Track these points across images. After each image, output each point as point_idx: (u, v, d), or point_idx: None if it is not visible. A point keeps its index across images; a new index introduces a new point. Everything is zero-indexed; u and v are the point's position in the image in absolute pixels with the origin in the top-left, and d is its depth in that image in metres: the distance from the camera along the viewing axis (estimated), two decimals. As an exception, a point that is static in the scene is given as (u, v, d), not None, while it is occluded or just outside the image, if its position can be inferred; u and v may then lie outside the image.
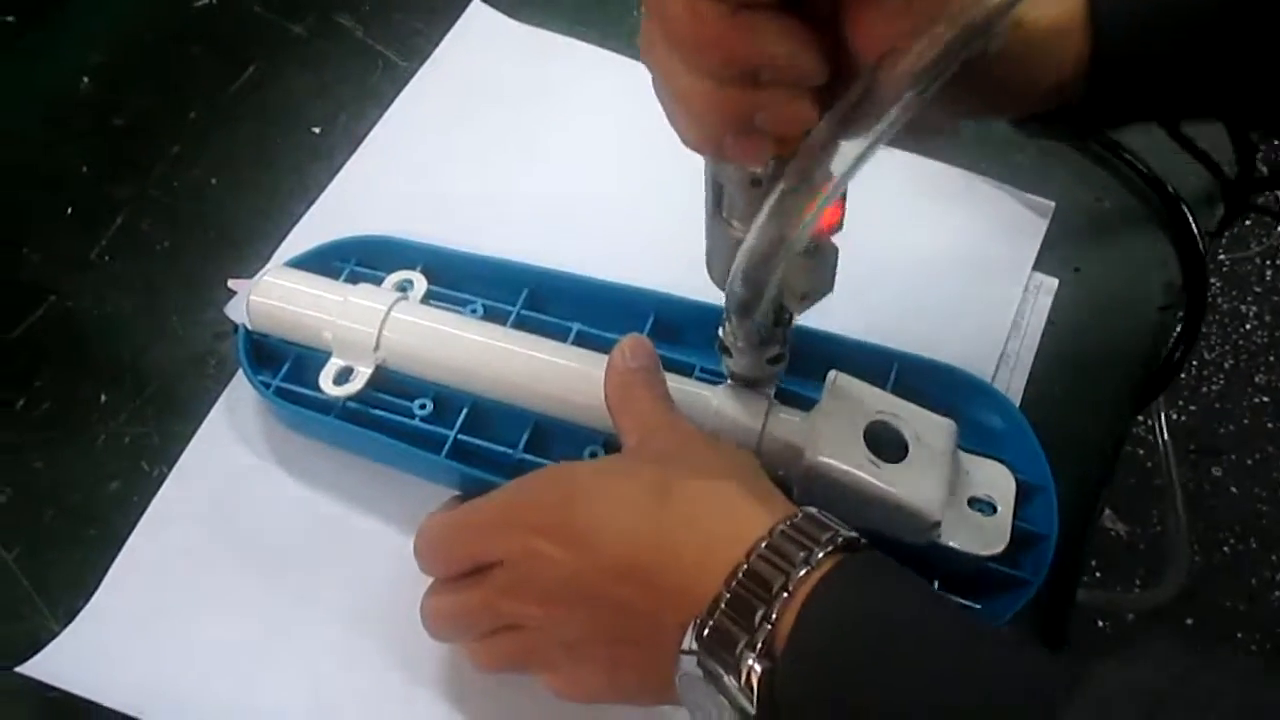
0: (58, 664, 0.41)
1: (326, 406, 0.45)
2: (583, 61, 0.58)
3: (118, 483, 0.45)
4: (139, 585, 0.43)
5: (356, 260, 0.49)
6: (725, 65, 0.28)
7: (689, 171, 0.54)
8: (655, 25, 0.29)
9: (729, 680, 0.31)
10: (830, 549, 0.32)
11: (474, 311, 0.48)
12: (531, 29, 0.60)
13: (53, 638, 0.41)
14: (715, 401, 0.43)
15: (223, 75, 0.58)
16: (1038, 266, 0.52)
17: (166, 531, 0.44)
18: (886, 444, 0.41)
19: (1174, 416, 1.37)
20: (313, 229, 0.52)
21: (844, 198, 0.34)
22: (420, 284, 0.48)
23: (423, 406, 0.45)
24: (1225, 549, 1.29)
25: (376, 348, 0.45)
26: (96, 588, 0.43)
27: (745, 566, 0.32)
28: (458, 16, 0.60)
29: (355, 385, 0.45)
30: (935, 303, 0.50)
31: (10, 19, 0.59)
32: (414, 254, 0.50)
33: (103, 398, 0.47)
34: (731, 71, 0.28)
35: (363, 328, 0.45)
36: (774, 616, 0.31)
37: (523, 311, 0.48)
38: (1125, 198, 0.54)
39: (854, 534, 0.34)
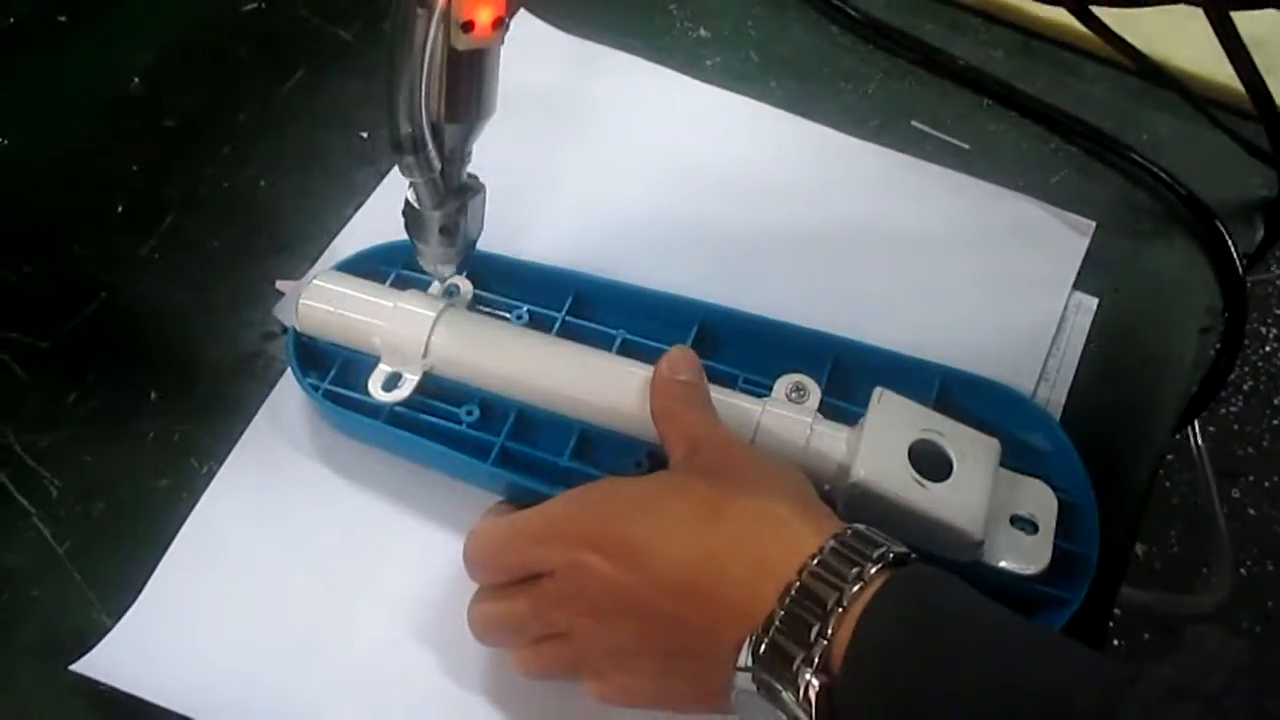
0: (108, 662, 0.41)
1: (374, 410, 0.46)
2: (628, 72, 0.59)
3: (167, 479, 0.46)
4: (186, 583, 0.44)
5: (403, 264, 0.50)
6: None
7: (732, 184, 0.55)
8: None
9: (787, 696, 0.32)
10: (881, 565, 0.33)
11: (519, 317, 0.48)
12: (578, 40, 0.60)
13: (104, 631, 0.42)
14: (759, 415, 0.43)
15: (271, 79, 0.59)
16: (1078, 286, 0.52)
17: (214, 529, 0.45)
18: (931, 462, 0.41)
19: (1211, 430, 1.37)
20: (359, 232, 0.53)
21: None
22: (467, 289, 0.49)
23: (469, 413, 0.46)
24: (1243, 570, 1.29)
25: (425, 354, 0.45)
26: (146, 584, 0.43)
27: (798, 584, 0.33)
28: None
29: (403, 391, 0.45)
30: (975, 320, 0.50)
31: (63, 19, 0.60)
32: None
33: (152, 395, 0.48)
34: None
35: (411, 334, 0.45)
36: (829, 632, 0.32)
37: (568, 318, 0.48)
38: (1165, 218, 0.55)
39: (904, 549, 0.34)
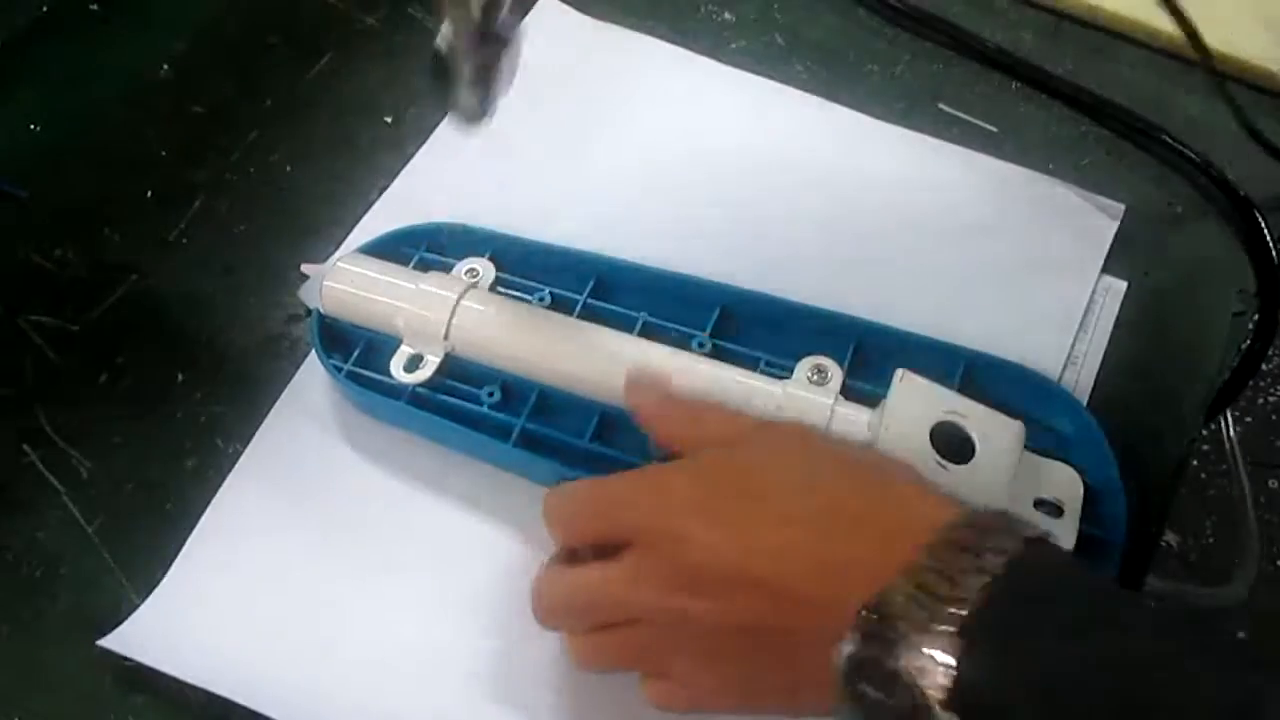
0: (136, 638, 0.42)
1: (397, 391, 0.46)
2: (652, 56, 0.59)
3: (194, 459, 0.46)
4: (213, 560, 0.44)
5: (426, 247, 0.50)
6: None
7: (757, 168, 0.55)
8: None
9: (905, 662, 0.29)
10: (1021, 539, 0.31)
11: (541, 299, 0.48)
12: (602, 23, 0.60)
13: (133, 608, 0.42)
14: (780, 397, 0.43)
15: (298, 65, 0.59)
16: (1107, 269, 0.51)
17: (240, 508, 0.45)
18: (953, 443, 0.41)
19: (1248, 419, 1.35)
20: (384, 216, 0.53)
21: None
22: (489, 272, 0.49)
23: (490, 394, 0.46)
24: (1279, 563, 1.27)
25: (446, 336, 0.46)
26: (174, 561, 0.44)
27: (931, 551, 0.30)
28: (529, 9, 0.60)
29: (425, 373, 0.46)
30: (1002, 304, 0.50)
31: (94, 7, 0.61)
32: (482, 241, 0.50)
33: (180, 376, 0.49)
34: None
35: (433, 316, 0.46)
36: (968, 595, 0.29)
37: (589, 300, 0.48)
38: (1196, 201, 0.54)
39: (1041, 530, 0.32)
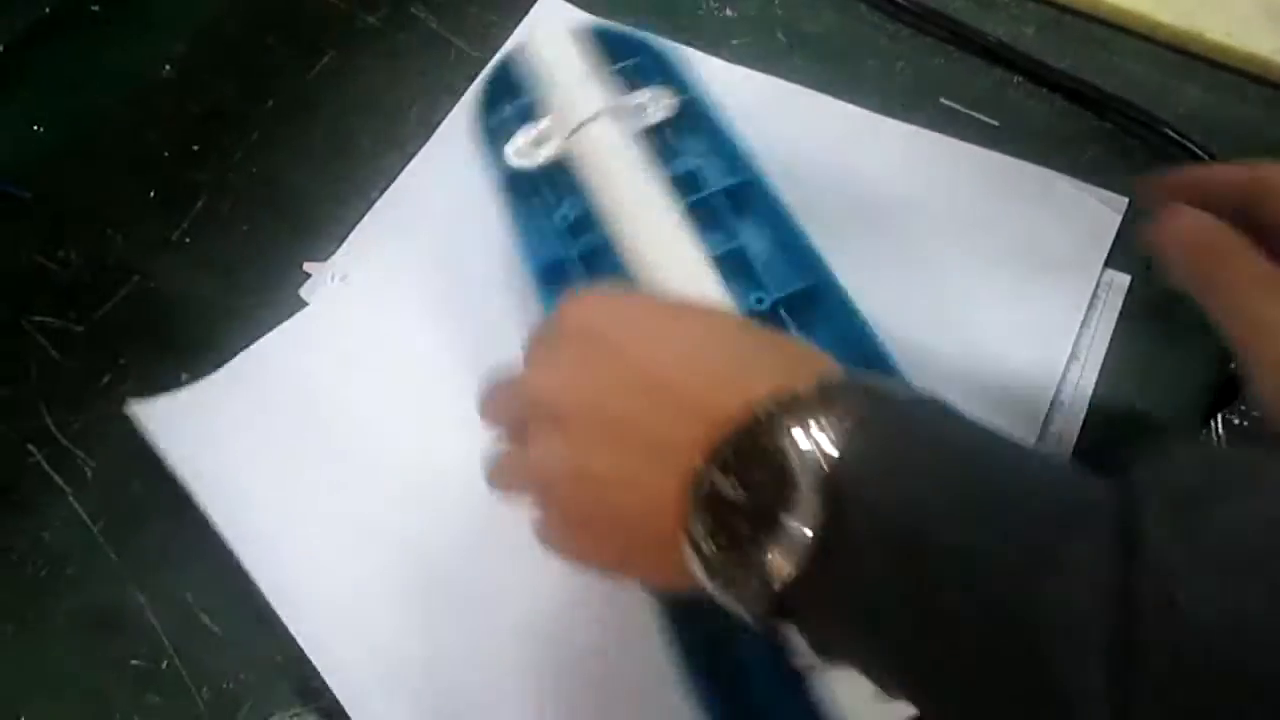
0: (162, 416, 0.46)
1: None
2: (653, 53, 0.59)
3: (198, 459, 0.47)
4: (261, 379, 0.48)
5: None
6: None
7: (766, 161, 0.55)
8: None
9: (792, 442, 0.28)
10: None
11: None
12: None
13: (139, 607, 0.43)
14: None
15: (299, 64, 0.59)
16: (1110, 263, 0.51)
17: (310, 342, 0.49)
18: None
19: (1236, 422, 1.35)
20: (385, 215, 0.53)
21: None
22: (659, 109, 0.49)
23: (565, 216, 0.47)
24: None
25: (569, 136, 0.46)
26: (182, 557, 0.44)
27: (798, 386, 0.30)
28: (530, 8, 0.60)
29: (543, 153, 0.47)
30: (1004, 298, 0.50)
31: (96, 8, 0.61)
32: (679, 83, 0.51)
33: (183, 376, 0.49)
34: None
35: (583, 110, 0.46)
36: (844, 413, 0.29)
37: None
38: (1200, 195, 0.54)
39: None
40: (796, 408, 0.29)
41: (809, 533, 0.28)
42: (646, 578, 0.36)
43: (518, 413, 0.36)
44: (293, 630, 0.41)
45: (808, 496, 0.28)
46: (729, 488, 0.29)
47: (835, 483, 0.28)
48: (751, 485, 0.29)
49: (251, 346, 0.48)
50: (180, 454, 0.45)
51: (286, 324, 0.49)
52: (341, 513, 0.45)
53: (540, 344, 0.36)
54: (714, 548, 0.30)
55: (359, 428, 0.47)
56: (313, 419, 0.47)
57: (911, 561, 0.27)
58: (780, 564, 0.28)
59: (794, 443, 0.28)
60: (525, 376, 0.36)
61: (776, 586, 0.28)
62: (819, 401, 0.29)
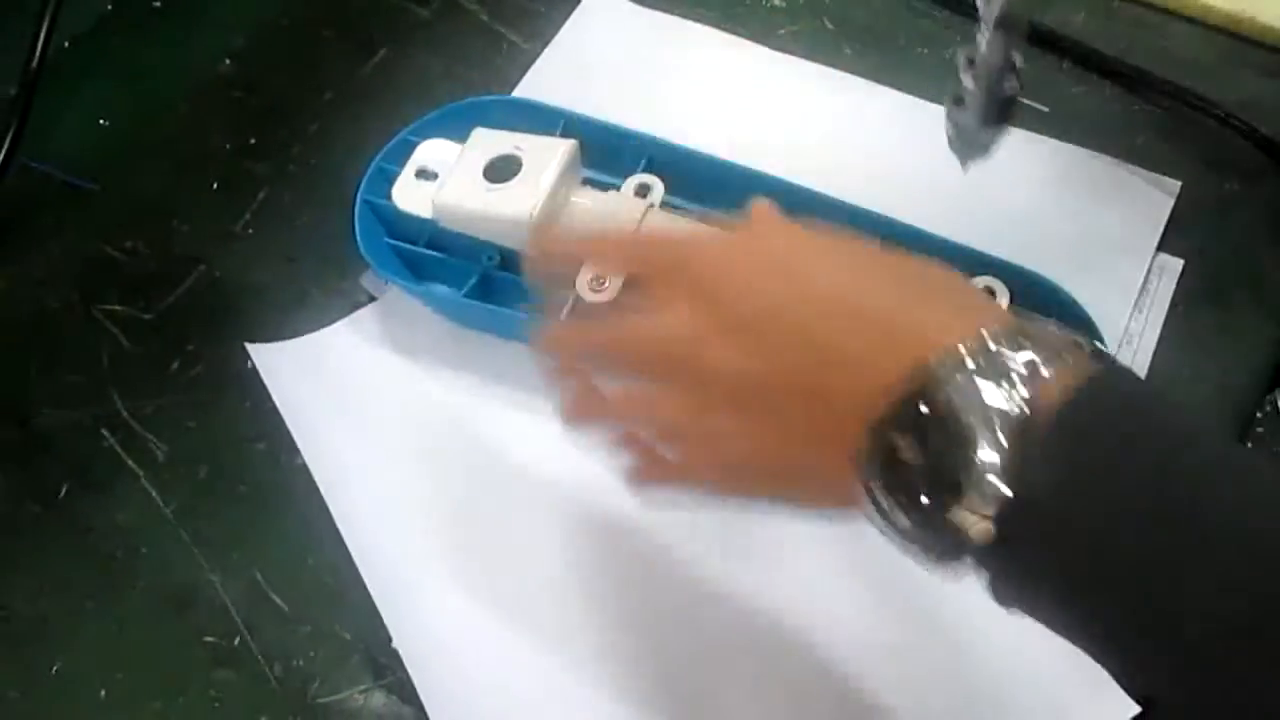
0: (277, 360, 0.49)
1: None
2: (702, 45, 0.59)
3: (264, 443, 0.48)
4: (380, 337, 0.50)
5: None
6: None
7: (807, 152, 0.55)
8: None
9: (978, 390, 0.26)
10: (1083, 350, 0.29)
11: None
12: (652, 12, 0.61)
13: (211, 588, 0.44)
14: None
15: (354, 58, 0.60)
16: (1162, 247, 0.51)
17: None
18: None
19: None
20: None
21: None
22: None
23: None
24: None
25: None
26: (251, 538, 0.45)
27: (1000, 328, 0.28)
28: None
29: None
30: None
31: (157, 4, 0.62)
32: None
33: (248, 362, 0.50)
34: None
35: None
36: (1041, 370, 0.27)
37: None
38: (1253, 178, 0.54)
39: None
40: (979, 357, 0.27)
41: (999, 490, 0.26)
42: (809, 504, 0.33)
43: (648, 265, 0.33)
44: (370, 587, 0.43)
45: (987, 463, 0.26)
46: (906, 449, 0.28)
47: (1023, 435, 0.26)
48: (930, 449, 0.27)
49: (368, 304, 0.51)
50: (286, 399, 0.48)
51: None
52: (436, 486, 0.46)
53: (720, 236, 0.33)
54: (893, 505, 0.28)
55: (460, 399, 0.49)
56: (418, 386, 0.49)
57: (1100, 563, 0.26)
58: (967, 521, 0.27)
59: (976, 395, 0.27)
60: (686, 244, 0.33)
61: (960, 548, 0.27)
62: (997, 350, 0.27)
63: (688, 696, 0.42)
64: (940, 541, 0.28)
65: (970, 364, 0.27)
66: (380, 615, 0.43)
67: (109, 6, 0.62)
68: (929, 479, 0.27)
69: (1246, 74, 0.56)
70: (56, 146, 0.56)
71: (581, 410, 0.35)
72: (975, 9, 0.59)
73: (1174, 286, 0.50)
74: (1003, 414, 0.26)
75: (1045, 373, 0.27)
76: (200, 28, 0.62)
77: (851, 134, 0.56)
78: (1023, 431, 0.26)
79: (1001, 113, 0.42)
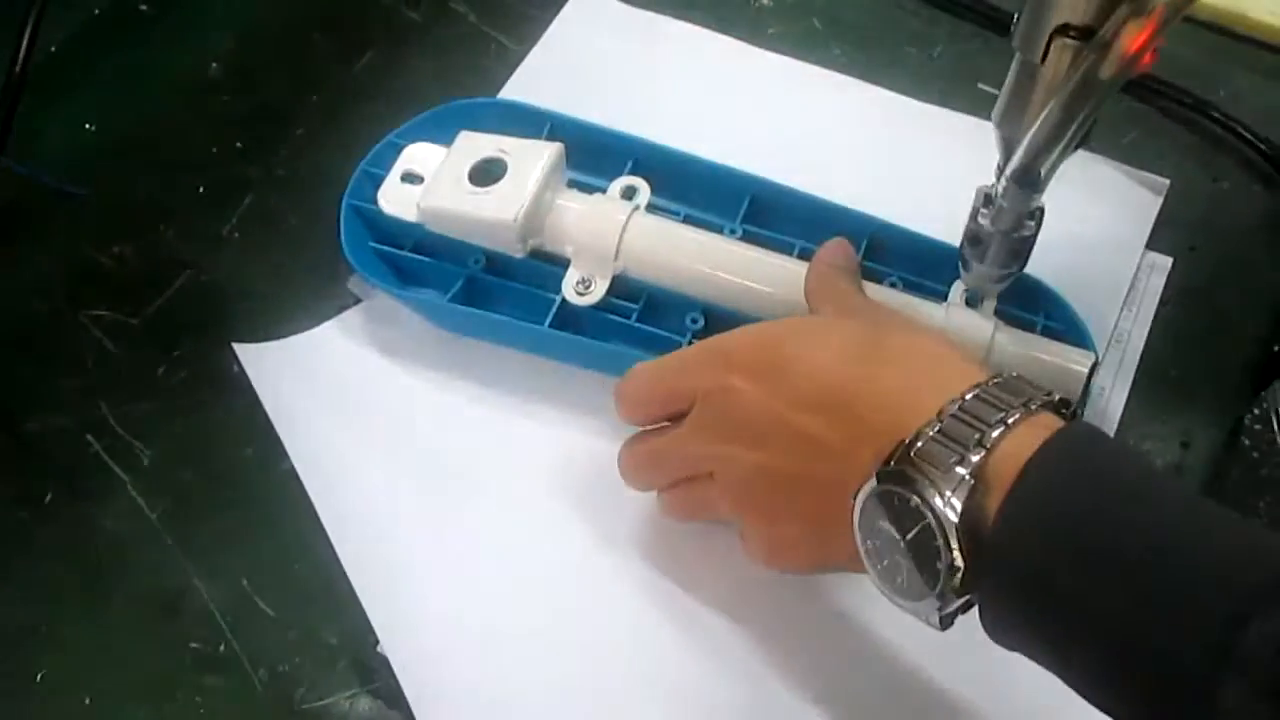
0: (263, 360, 0.49)
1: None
2: (692, 44, 0.59)
3: (251, 449, 0.48)
4: (365, 332, 0.50)
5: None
6: None
7: (796, 152, 0.55)
8: None
9: (929, 492, 0.30)
10: (1045, 402, 0.32)
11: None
12: (640, 11, 0.61)
13: (198, 593, 0.44)
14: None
15: (343, 61, 0.60)
16: (1151, 245, 0.51)
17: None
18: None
19: None
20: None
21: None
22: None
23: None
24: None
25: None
26: (237, 543, 0.45)
27: (961, 403, 0.32)
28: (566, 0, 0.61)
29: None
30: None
31: (144, 8, 0.62)
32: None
33: (235, 368, 0.50)
34: None
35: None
36: (990, 442, 0.30)
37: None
38: (1242, 177, 0.54)
39: (1065, 400, 0.33)
40: (919, 459, 0.31)
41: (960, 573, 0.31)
42: (849, 568, 0.36)
43: (679, 401, 0.39)
44: (357, 591, 0.43)
45: (952, 553, 0.30)
46: (887, 523, 0.32)
47: (977, 539, 0.30)
48: (903, 529, 0.32)
49: (355, 306, 0.51)
50: (273, 400, 0.48)
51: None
52: (423, 488, 0.46)
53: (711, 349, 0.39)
54: (881, 568, 0.33)
55: (447, 400, 0.49)
56: (406, 388, 0.49)
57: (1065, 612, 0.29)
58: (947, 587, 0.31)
59: (932, 497, 0.30)
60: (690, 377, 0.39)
61: (938, 618, 0.32)
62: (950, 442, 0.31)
63: (678, 699, 0.41)
64: (933, 608, 0.32)
65: (932, 445, 0.31)
66: (368, 620, 0.43)
67: (96, 11, 0.62)
68: (911, 551, 0.31)
69: (1236, 70, 0.56)
70: (43, 151, 0.55)
71: (666, 511, 0.43)
72: (964, 7, 0.59)
73: (1163, 284, 0.50)
74: (961, 481, 0.30)
75: (1008, 437, 0.31)
76: (188, 31, 0.61)
77: (840, 134, 0.56)
78: (980, 504, 0.30)
79: (1017, 254, 0.42)
